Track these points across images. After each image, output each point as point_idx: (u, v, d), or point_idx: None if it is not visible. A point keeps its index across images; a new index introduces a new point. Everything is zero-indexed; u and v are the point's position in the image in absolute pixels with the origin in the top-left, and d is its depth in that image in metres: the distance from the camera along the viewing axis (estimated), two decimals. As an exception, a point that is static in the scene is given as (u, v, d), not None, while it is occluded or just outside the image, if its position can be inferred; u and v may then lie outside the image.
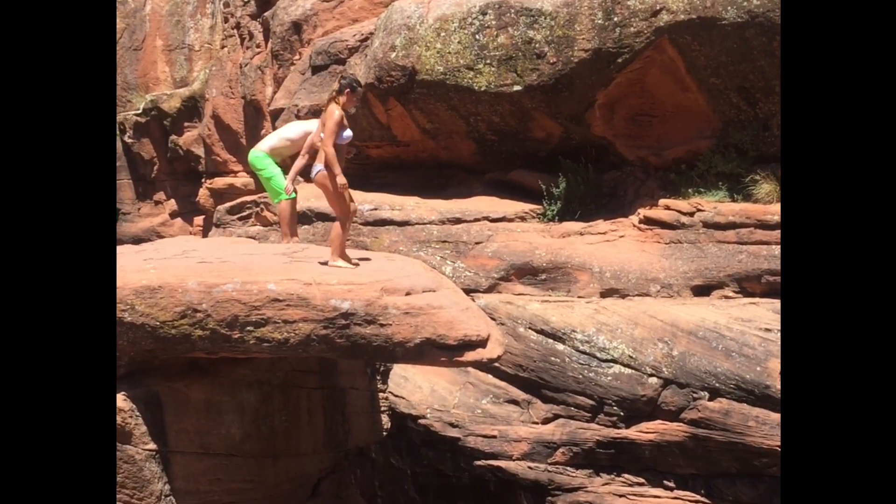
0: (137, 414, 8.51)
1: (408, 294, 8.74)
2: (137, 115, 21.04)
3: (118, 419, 8.35)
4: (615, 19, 12.89)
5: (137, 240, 18.64)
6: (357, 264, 9.54)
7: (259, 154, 11.40)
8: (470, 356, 8.75)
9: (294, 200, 11.32)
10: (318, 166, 9.71)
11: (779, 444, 11.01)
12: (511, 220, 13.99)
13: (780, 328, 11.42)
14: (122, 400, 8.43)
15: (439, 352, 8.64)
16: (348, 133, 9.73)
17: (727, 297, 12.37)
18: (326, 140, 9.51)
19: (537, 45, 13.37)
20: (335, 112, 9.52)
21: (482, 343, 8.76)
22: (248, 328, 8.36)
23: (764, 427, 11.17)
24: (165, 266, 8.90)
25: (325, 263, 9.43)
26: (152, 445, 8.59)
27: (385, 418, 11.60)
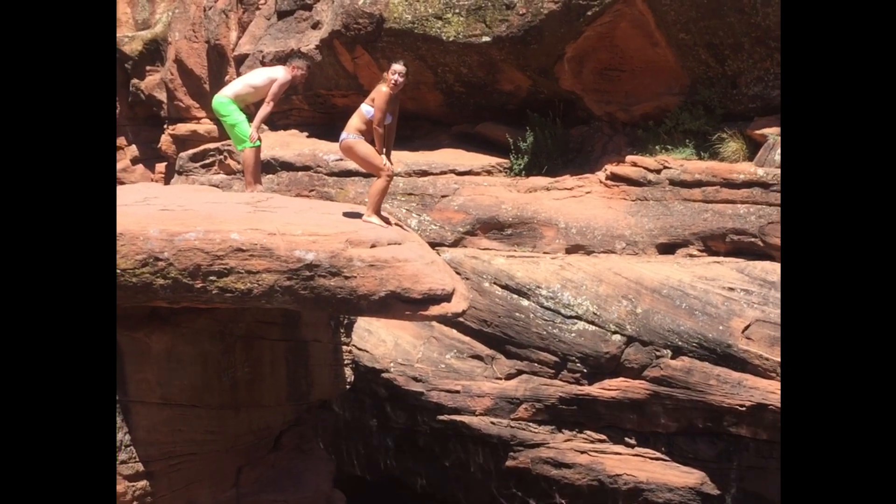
0: (97, 363, 8.36)
1: (373, 246, 8.63)
2: (97, 57, 20.60)
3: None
4: (587, -29, 12.73)
5: (97, 185, 18.36)
6: (388, 224, 9.52)
7: (223, 100, 11.17)
8: (435, 310, 8.66)
9: (258, 148, 11.14)
10: (345, 135, 9.57)
11: (739, 402, 11.15)
12: (478, 174, 13.91)
13: (748, 289, 11.50)
14: (81, 348, 8.28)
15: (404, 305, 8.55)
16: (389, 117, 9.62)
17: (692, 256, 12.38)
18: (376, 120, 9.39)
19: (507, -4, 13.21)
20: (383, 92, 9.37)
21: (447, 297, 8.68)
22: (211, 278, 8.21)
23: (725, 385, 11.24)
24: (126, 213, 8.70)
25: (360, 217, 9.46)
26: (112, 395, 8.46)
27: (348, 371, 11.53)
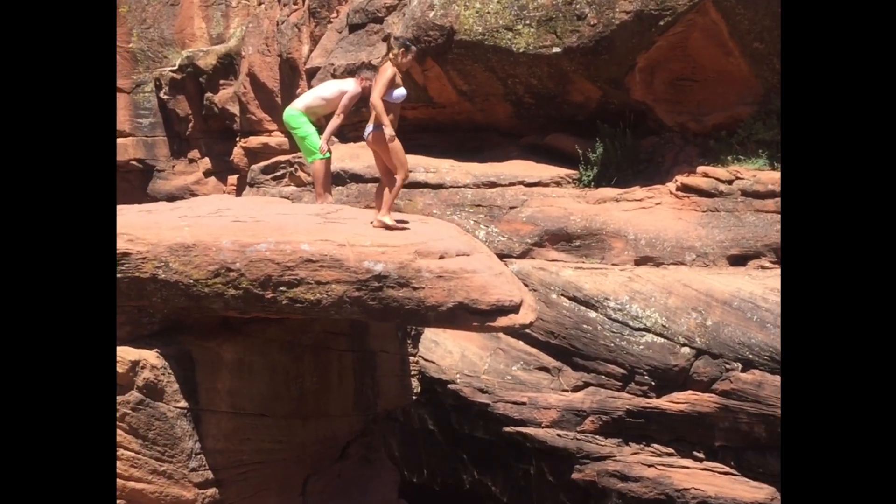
0: (170, 371, 8.51)
1: (441, 258, 8.64)
2: (173, 71, 20.99)
3: (151, 376, 8.37)
4: (658, -19, 12.67)
5: (171, 197, 18.73)
6: (399, 227, 9.45)
7: (294, 113, 11.32)
8: (502, 321, 8.64)
9: (328, 160, 11.25)
10: (370, 127, 9.61)
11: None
12: (546, 185, 13.87)
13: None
14: (154, 357, 8.44)
15: (472, 316, 8.54)
16: (401, 92, 9.57)
17: (763, 268, 12.23)
18: (374, 93, 9.40)
19: (578, 6, 13.18)
20: (387, 69, 9.42)
21: (515, 308, 8.66)
22: (281, 288, 8.31)
23: (797, 400, 11.04)
24: (200, 224, 8.87)
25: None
26: (184, 403, 8.60)
27: (415, 382, 11.58)
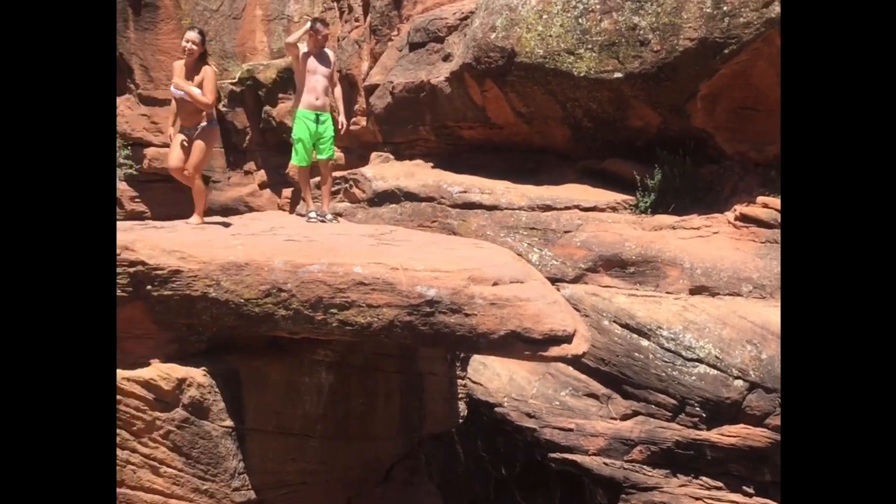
0: (216, 390, 8.51)
1: (495, 284, 8.54)
2: (233, 83, 21.16)
3: (197, 394, 8.38)
4: (724, 8, 12.51)
5: (226, 208, 18.88)
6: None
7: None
8: (554, 351, 8.53)
9: (307, 168, 11.71)
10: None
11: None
12: (602, 210, 13.74)
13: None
14: (201, 375, 8.45)
15: (524, 345, 8.43)
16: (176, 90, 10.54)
17: (822, 303, 11.98)
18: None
19: (641, 32, 13.07)
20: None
21: (568, 338, 8.54)
22: (332, 310, 8.26)
23: (853, 440, 10.79)
24: (253, 243, 8.89)
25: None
26: (229, 422, 8.60)
27: (462, 405, 11.50)
